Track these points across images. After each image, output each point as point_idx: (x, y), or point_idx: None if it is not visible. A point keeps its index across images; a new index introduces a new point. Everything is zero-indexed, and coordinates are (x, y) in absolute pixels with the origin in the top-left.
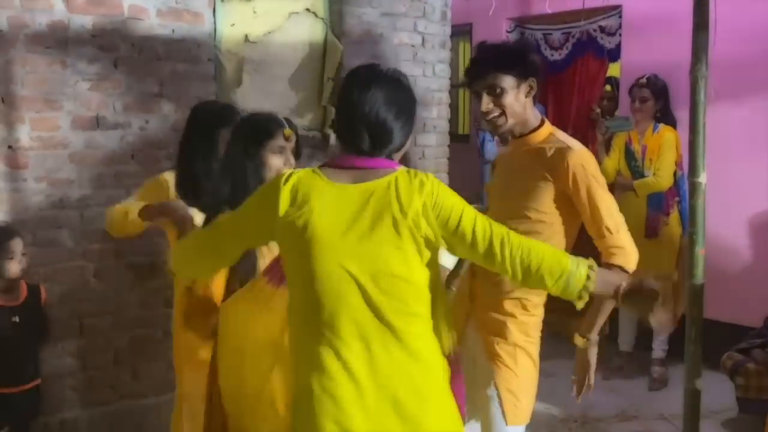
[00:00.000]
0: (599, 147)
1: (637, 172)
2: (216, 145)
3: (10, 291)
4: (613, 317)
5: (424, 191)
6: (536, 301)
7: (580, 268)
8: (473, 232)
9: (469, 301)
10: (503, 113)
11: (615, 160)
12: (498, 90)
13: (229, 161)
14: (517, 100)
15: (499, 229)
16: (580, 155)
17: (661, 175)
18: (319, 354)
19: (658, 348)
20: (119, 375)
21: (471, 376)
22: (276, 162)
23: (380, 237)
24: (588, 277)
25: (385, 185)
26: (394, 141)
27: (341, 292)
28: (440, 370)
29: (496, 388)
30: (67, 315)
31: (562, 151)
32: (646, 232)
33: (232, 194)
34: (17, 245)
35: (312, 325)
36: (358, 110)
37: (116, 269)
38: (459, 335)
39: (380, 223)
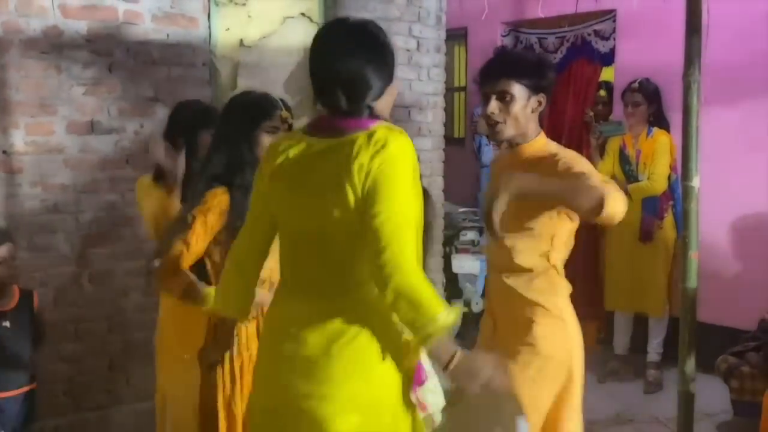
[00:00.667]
0: (593, 151)
1: (632, 176)
2: (196, 146)
3: (2, 294)
4: (608, 321)
5: (377, 154)
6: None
7: (439, 324)
8: (374, 228)
9: (493, 334)
10: (506, 122)
11: (609, 164)
12: (508, 97)
13: (222, 139)
14: (524, 111)
15: (401, 246)
16: (573, 153)
17: (655, 179)
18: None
19: (653, 351)
20: (114, 380)
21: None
22: (269, 141)
23: (326, 196)
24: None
25: (349, 142)
26: (372, 89)
27: (295, 246)
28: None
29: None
30: (61, 320)
31: (556, 155)
32: (641, 236)
33: (226, 172)
34: (5, 250)
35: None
36: (327, 68)
37: (111, 274)
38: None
39: (329, 182)
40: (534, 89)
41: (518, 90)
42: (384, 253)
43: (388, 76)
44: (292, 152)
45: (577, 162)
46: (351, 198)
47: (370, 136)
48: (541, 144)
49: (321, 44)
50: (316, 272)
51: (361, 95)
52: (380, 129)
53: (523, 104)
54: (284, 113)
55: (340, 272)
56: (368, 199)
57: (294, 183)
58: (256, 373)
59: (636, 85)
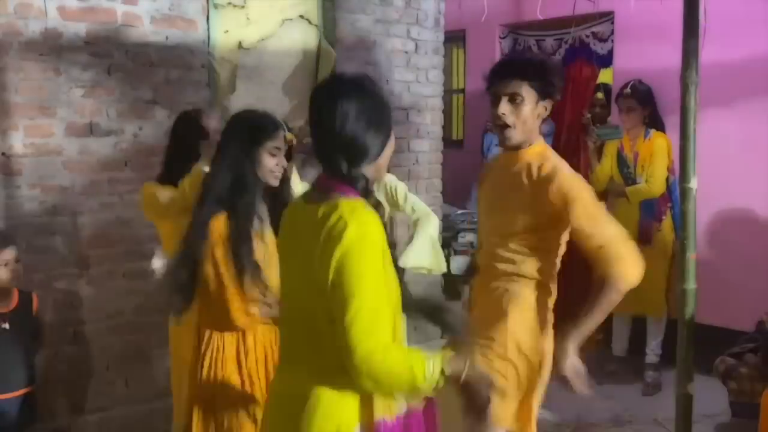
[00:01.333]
0: (591, 155)
1: (630, 179)
2: (197, 156)
3: (1, 296)
4: (606, 323)
5: (336, 246)
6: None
7: (433, 377)
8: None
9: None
10: (515, 126)
11: (607, 166)
12: (519, 99)
13: (225, 158)
14: (532, 115)
15: (372, 341)
16: (571, 175)
17: (653, 181)
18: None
19: (652, 353)
20: (113, 382)
21: None
22: (270, 162)
23: (305, 266)
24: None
25: (323, 213)
26: (370, 153)
27: (283, 311)
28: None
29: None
30: (60, 322)
31: (552, 173)
32: (639, 238)
33: (229, 193)
34: (10, 253)
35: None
36: (327, 134)
37: (110, 276)
38: None
39: (307, 252)
40: (542, 94)
41: (530, 94)
42: (356, 351)
43: (386, 136)
44: (291, 220)
45: (581, 197)
46: (323, 281)
47: (332, 211)
48: (539, 150)
49: (319, 105)
50: (301, 346)
51: (360, 160)
52: (344, 208)
53: (532, 108)
54: (288, 135)
55: (321, 349)
56: (334, 292)
57: (286, 255)
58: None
59: (628, 90)
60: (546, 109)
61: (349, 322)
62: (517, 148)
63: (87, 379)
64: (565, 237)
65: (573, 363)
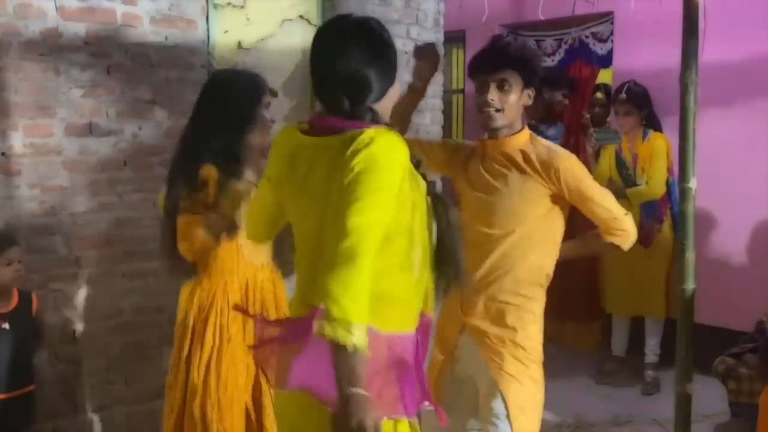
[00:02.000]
0: (590, 158)
1: (629, 181)
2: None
3: (2, 296)
4: (606, 323)
5: (358, 152)
6: (537, 311)
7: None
8: (336, 228)
9: (461, 313)
10: (503, 110)
11: (605, 168)
12: (507, 86)
13: (238, 118)
14: (518, 102)
15: (351, 250)
16: (568, 157)
17: (654, 183)
18: None
19: (651, 353)
20: (112, 381)
21: (466, 384)
22: (266, 115)
23: (319, 200)
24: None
25: (339, 141)
26: (373, 90)
27: (302, 250)
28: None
29: (504, 402)
30: (60, 321)
31: (550, 154)
32: (641, 240)
33: (240, 150)
34: (15, 253)
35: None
36: (327, 68)
37: (109, 276)
38: (451, 347)
39: (321, 185)
40: (528, 82)
41: (517, 81)
42: (345, 240)
43: (390, 77)
44: (290, 153)
45: (585, 184)
46: (335, 195)
47: (358, 136)
48: (525, 138)
49: (321, 43)
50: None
51: (361, 96)
52: (369, 131)
53: (518, 96)
54: (273, 89)
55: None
56: (343, 196)
57: (293, 188)
58: None
59: (623, 95)
60: (529, 97)
61: (344, 221)
62: (502, 133)
63: (86, 379)
64: (561, 223)
65: None
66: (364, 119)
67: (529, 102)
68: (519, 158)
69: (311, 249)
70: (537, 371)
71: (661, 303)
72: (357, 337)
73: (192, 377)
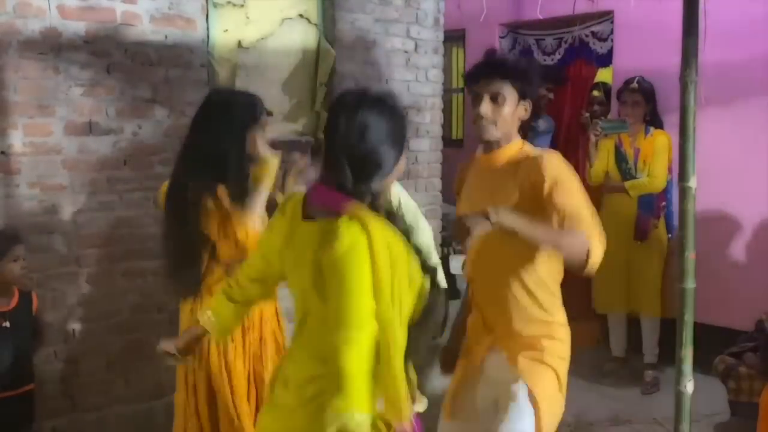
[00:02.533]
0: (591, 148)
1: (628, 174)
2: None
3: (2, 295)
4: (603, 323)
5: (331, 250)
6: (561, 320)
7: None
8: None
9: (486, 332)
10: (496, 123)
11: (603, 161)
12: (500, 98)
13: (231, 140)
14: (513, 115)
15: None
16: (551, 155)
17: (655, 176)
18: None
19: (649, 353)
20: (112, 380)
21: (488, 397)
22: (263, 137)
23: (308, 281)
24: None
25: (323, 230)
26: (383, 168)
27: (299, 308)
28: None
29: (527, 388)
30: (59, 320)
31: (536, 159)
32: (636, 233)
33: (238, 170)
34: (21, 250)
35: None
36: (341, 142)
37: (109, 274)
38: (476, 367)
39: (309, 268)
40: (523, 95)
41: (511, 93)
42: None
43: (400, 152)
44: (290, 232)
45: (567, 185)
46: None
47: (331, 226)
48: (517, 147)
49: (340, 115)
50: (310, 340)
51: (369, 175)
52: (343, 220)
53: (512, 108)
54: (269, 110)
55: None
56: (329, 284)
57: (290, 263)
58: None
59: (635, 84)
60: (526, 110)
61: (338, 317)
62: (496, 146)
63: (86, 378)
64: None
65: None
66: (362, 200)
67: (526, 115)
68: (511, 167)
69: (306, 312)
70: (562, 371)
71: (656, 301)
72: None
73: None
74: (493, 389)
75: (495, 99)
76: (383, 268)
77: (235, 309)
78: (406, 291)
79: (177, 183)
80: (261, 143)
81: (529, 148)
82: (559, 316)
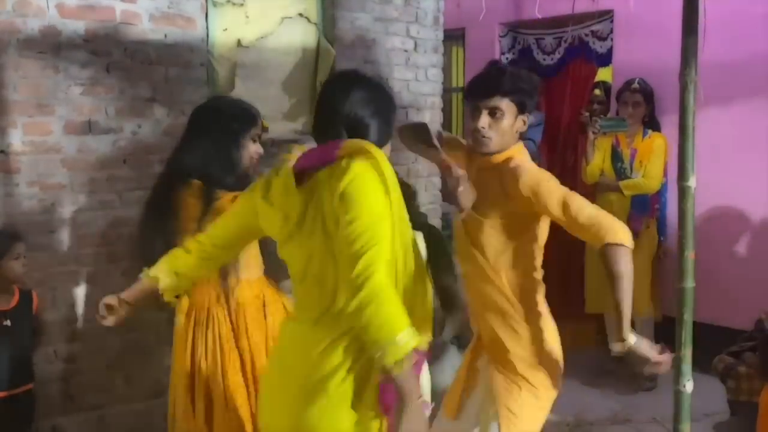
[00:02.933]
0: (589, 146)
1: (622, 174)
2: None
3: (3, 294)
4: (602, 322)
5: (341, 180)
6: (538, 320)
7: (406, 343)
8: (348, 244)
9: (477, 339)
10: (493, 138)
11: (600, 160)
12: (499, 113)
13: (219, 144)
14: (511, 129)
15: (372, 259)
16: (532, 167)
17: (651, 176)
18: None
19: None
20: (112, 379)
21: (480, 407)
22: (253, 147)
23: (315, 232)
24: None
25: (324, 178)
26: (370, 136)
27: (298, 274)
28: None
29: (497, 405)
30: (59, 319)
31: (515, 170)
32: None
33: (223, 176)
34: (22, 248)
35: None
36: (336, 108)
37: (109, 274)
38: (470, 372)
39: (314, 219)
40: (521, 109)
41: (510, 108)
42: (358, 263)
43: (388, 130)
44: (280, 191)
45: (551, 184)
46: (331, 225)
47: (337, 165)
48: (508, 153)
49: (332, 89)
50: (316, 301)
51: (359, 136)
52: (345, 156)
53: (511, 122)
54: (265, 122)
55: (333, 302)
56: (340, 214)
57: (287, 223)
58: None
59: (636, 85)
60: (524, 123)
61: (355, 232)
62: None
63: (86, 377)
64: (543, 227)
65: None
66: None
67: (524, 128)
68: (496, 174)
69: (306, 275)
70: (536, 375)
71: (645, 301)
72: (409, 346)
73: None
74: (480, 400)
75: (493, 113)
76: (394, 187)
77: (191, 261)
78: (406, 220)
79: (162, 180)
80: (250, 154)
81: (516, 158)
82: (541, 323)
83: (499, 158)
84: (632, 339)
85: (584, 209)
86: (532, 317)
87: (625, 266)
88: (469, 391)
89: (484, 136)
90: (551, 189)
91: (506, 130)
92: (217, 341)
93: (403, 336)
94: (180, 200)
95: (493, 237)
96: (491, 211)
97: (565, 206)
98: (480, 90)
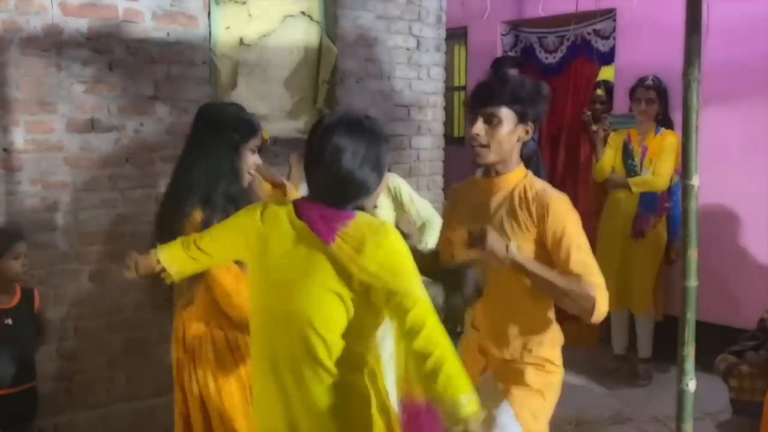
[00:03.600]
0: (598, 143)
1: (633, 171)
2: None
3: (5, 292)
4: (605, 321)
5: (368, 254)
6: (555, 359)
7: (469, 406)
8: (406, 319)
9: (481, 355)
10: (490, 146)
11: (611, 156)
12: (495, 120)
13: (211, 154)
14: (509, 138)
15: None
16: (560, 200)
17: (660, 174)
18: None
19: (642, 348)
20: (114, 377)
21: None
22: (251, 158)
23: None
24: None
25: (344, 247)
26: (368, 191)
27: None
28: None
29: (511, 407)
30: (61, 317)
31: (544, 193)
32: (633, 231)
33: (209, 187)
34: (22, 247)
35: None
36: (328, 168)
37: (110, 272)
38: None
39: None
40: (522, 117)
41: (507, 115)
42: (424, 329)
43: (380, 176)
44: (280, 238)
45: (575, 234)
46: (344, 291)
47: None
48: (518, 177)
49: (313, 139)
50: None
51: (348, 196)
52: (362, 221)
53: (509, 130)
54: (266, 133)
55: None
56: (383, 290)
57: (270, 263)
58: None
59: (650, 82)
60: (527, 133)
61: (407, 305)
62: (495, 173)
63: (88, 375)
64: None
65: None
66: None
67: (526, 137)
68: (513, 198)
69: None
70: (543, 378)
71: (647, 301)
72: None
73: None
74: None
75: (489, 120)
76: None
77: (187, 257)
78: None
79: (164, 208)
80: (249, 165)
81: (532, 181)
82: (553, 335)
83: (509, 181)
84: (514, 254)
85: (591, 270)
86: (549, 333)
87: (572, 288)
88: None
89: (480, 144)
90: (580, 234)
91: (503, 139)
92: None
93: (463, 400)
94: (183, 231)
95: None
96: (519, 237)
97: (581, 242)
98: (478, 98)
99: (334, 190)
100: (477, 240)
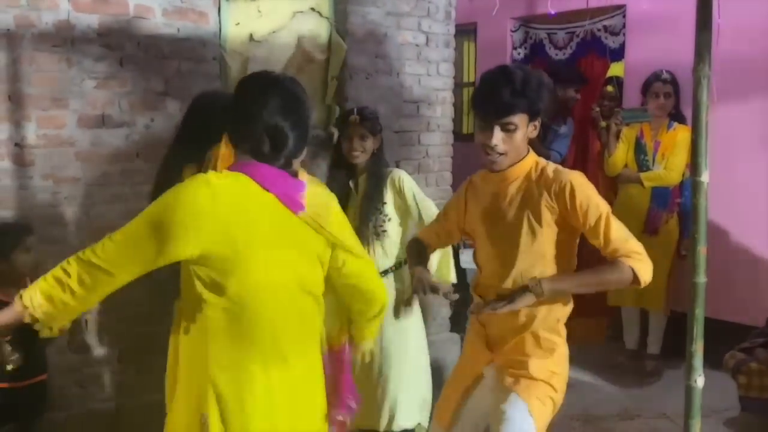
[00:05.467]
0: (611, 137)
1: (645, 166)
2: None
3: (15, 286)
4: (618, 317)
5: (330, 219)
6: (557, 340)
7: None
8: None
9: (487, 349)
10: (507, 153)
11: (623, 151)
12: (512, 127)
13: (210, 145)
14: (524, 139)
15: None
16: (577, 174)
17: (671, 169)
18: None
19: (652, 344)
20: (124, 371)
21: (484, 408)
22: None
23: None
24: None
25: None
26: (288, 147)
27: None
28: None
29: (518, 395)
30: None
31: (559, 175)
32: (646, 227)
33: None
34: (33, 241)
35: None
36: (257, 116)
37: None
38: (477, 378)
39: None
40: (533, 115)
41: (521, 119)
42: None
43: (303, 138)
44: (257, 216)
45: (599, 201)
46: (324, 254)
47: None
48: (530, 163)
49: (243, 95)
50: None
51: (279, 146)
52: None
53: (524, 132)
54: None
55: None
56: (341, 248)
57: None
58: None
59: (668, 76)
60: (536, 128)
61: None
62: (506, 166)
63: (98, 369)
64: (575, 240)
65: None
66: (287, 170)
67: (536, 132)
68: (530, 184)
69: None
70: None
71: (660, 297)
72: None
73: None
74: (485, 404)
75: (506, 128)
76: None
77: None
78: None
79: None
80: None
81: (543, 164)
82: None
83: (521, 169)
84: (545, 289)
85: (628, 243)
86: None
87: (611, 280)
88: (466, 397)
89: (498, 153)
90: (604, 208)
91: (520, 143)
92: None
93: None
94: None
95: (549, 245)
96: (527, 231)
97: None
98: (491, 109)
99: (268, 142)
100: (509, 302)
